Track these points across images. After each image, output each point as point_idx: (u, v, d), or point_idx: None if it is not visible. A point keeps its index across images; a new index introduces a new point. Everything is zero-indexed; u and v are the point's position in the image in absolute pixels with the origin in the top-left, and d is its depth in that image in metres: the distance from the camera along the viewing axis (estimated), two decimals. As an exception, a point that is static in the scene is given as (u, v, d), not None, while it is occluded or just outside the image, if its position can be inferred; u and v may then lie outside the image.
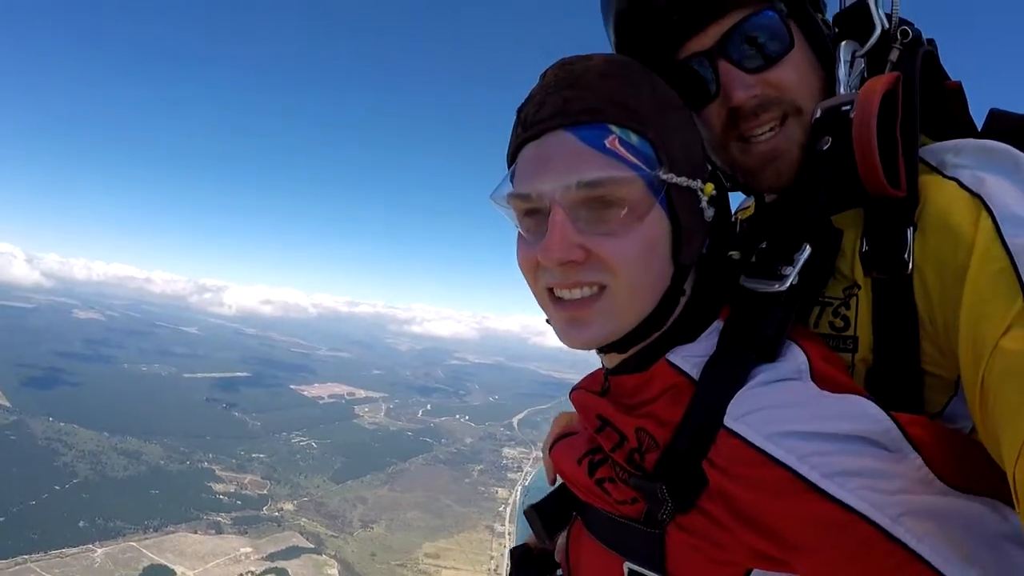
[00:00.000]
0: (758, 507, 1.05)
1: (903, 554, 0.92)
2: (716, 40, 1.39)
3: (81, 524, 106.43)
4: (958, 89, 1.47)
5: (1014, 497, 0.91)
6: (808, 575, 1.04)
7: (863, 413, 1.04)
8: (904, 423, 1.03)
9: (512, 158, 1.32)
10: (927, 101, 1.40)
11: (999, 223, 1.09)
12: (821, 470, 0.99)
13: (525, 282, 1.30)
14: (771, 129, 1.42)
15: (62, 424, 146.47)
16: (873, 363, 1.30)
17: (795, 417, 1.06)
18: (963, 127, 1.45)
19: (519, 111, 1.32)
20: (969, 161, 1.24)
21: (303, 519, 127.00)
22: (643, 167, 1.18)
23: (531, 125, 1.25)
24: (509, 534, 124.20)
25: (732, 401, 1.12)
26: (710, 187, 1.27)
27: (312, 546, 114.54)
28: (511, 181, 1.30)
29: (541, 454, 1.79)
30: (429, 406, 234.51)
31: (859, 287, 1.32)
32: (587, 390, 1.46)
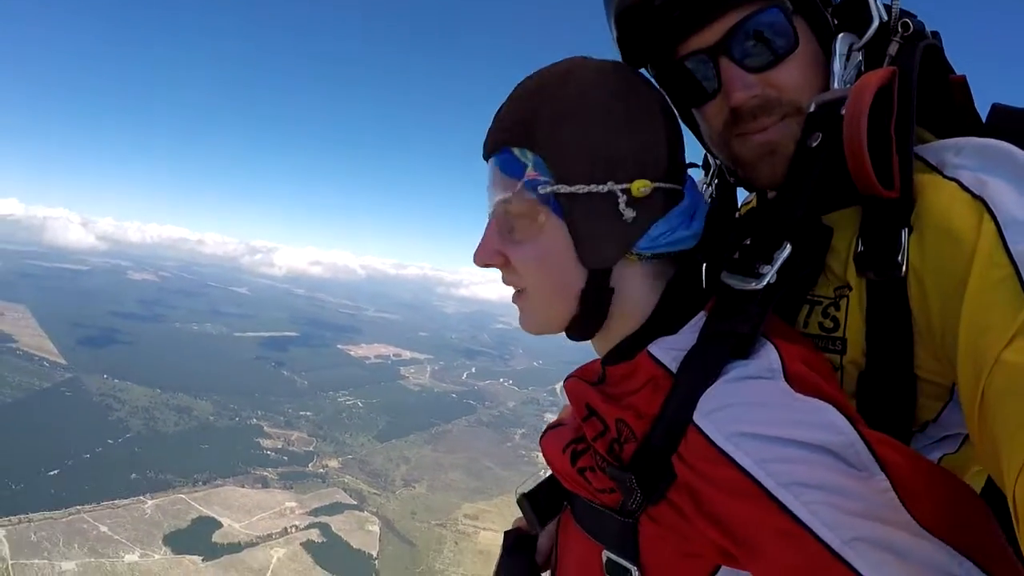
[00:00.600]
0: (716, 504, 1.05)
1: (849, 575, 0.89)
2: (719, 37, 1.34)
3: (133, 476, 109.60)
4: (962, 83, 1.42)
5: (1013, 517, 0.87)
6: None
7: (828, 423, 1.00)
8: (873, 441, 0.98)
9: None
10: (931, 95, 1.37)
11: (1002, 228, 1.05)
12: (777, 478, 0.97)
13: None
14: (761, 127, 1.37)
15: (116, 381, 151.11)
16: (865, 367, 1.27)
17: (759, 419, 1.04)
18: (968, 122, 1.41)
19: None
20: (971, 162, 1.19)
21: (347, 476, 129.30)
22: (529, 182, 1.24)
23: (484, 147, 1.38)
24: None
25: (702, 397, 1.11)
26: (639, 184, 1.24)
27: (355, 503, 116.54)
28: None
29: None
30: (474, 369, 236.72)
31: (850, 288, 1.29)
32: (580, 378, 1.46)
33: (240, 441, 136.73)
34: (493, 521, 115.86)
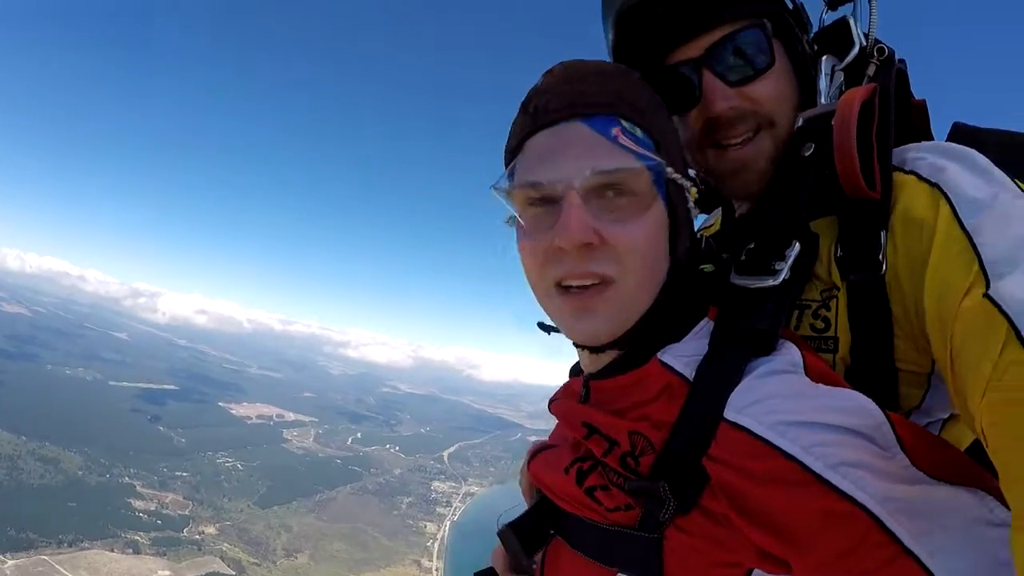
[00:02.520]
0: (762, 500, 1.05)
1: (894, 547, 0.94)
2: (703, 51, 1.46)
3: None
4: (922, 106, 1.59)
5: (981, 438, 0.98)
6: (804, 569, 1.03)
7: (861, 408, 1.06)
8: (896, 422, 1.06)
9: (515, 150, 1.34)
10: (900, 116, 1.49)
11: (956, 207, 1.17)
12: (825, 460, 1.00)
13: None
14: (744, 140, 1.49)
15: None
16: (851, 362, 1.35)
17: (796, 408, 1.07)
18: (925, 141, 1.51)
19: (524, 105, 1.35)
20: (928, 155, 1.32)
21: (225, 544, 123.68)
22: (651, 158, 1.22)
23: (541, 114, 1.28)
24: (437, 570, 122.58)
25: (732, 394, 1.13)
26: (694, 190, 1.34)
27: (233, 573, 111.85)
28: (511, 173, 1.32)
29: (518, 480, 1.81)
30: (359, 434, 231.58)
31: (838, 289, 1.36)
32: (568, 399, 1.47)
33: (111, 500, 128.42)
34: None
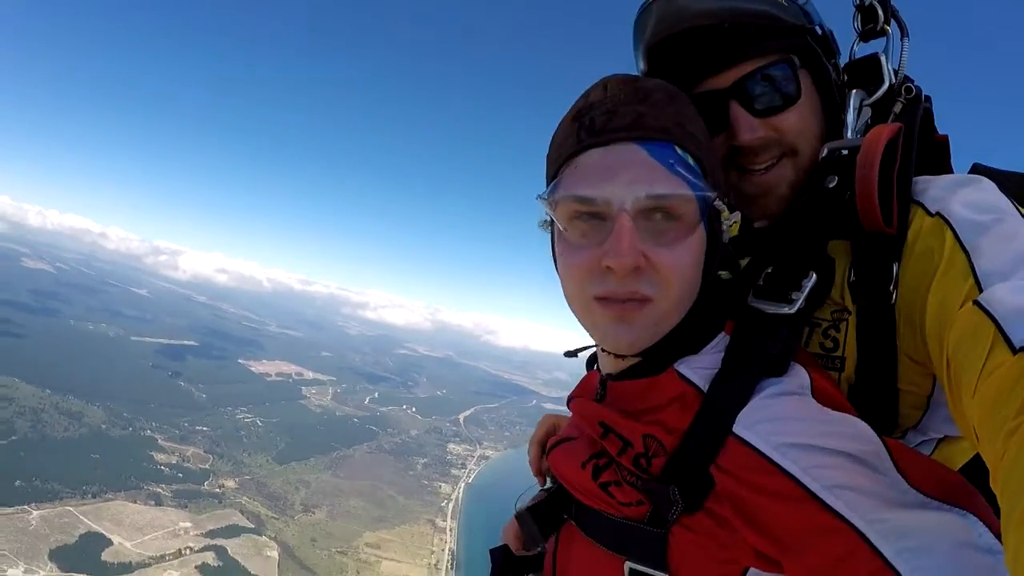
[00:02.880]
0: (762, 509, 1.14)
1: (878, 563, 1.00)
2: (732, 83, 1.53)
3: (17, 483, 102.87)
4: (944, 141, 1.63)
5: (973, 437, 1.02)
6: (795, 574, 1.12)
7: (860, 434, 1.15)
8: (892, 448, 1.13)
9: (566, 160, 1.37)
10: (923, 152, 1.54)
11: (958, 232, 1.25)
12: (822, 482, 1.09)
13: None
14: (768, 167, 1.56)
15: (3, 376, 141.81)
16: (855, 382, 1.43)
17: (799, 431, 1.16)
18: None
19: (579, 117, 1.37)
20: (935, 185, 1.39)
21: (244, 497, 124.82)
22: (700, 187, 1.27)
23: (601, 132, 1.31)
24: (451, 529, 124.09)
25: (743, 411, 1.22)
26: (726, 212, 1.37)
27: (252, 526, 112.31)
28: (558, 185, 1.35)
29: (527, 450, 1.96)
30: (377, 394, 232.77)
31: (849, 312, 1.44)
32: (585, 397, 1.54)
33: (133, 453, 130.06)
34: (395, 551, 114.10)
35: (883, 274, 1.33)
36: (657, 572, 1.31)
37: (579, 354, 1.63)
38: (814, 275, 1.38)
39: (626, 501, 1.34)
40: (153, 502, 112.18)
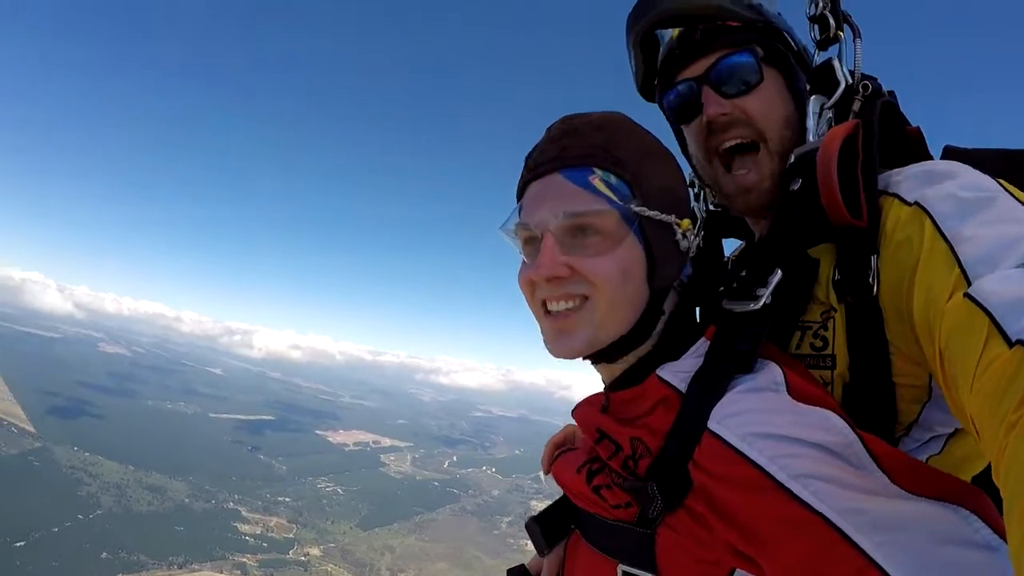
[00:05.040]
0: (732, 503, 1.14)
1: (862, 560, 0.98)
2: (703, 70, 1.68)
3: (104, 556, 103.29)
4: (917, 133, 1.71)
5: (972, 430, 1.02)
6: (773, 574, 1.10)
7: (830, 426, 1.14)
8: (869, 441, 1.12)
9: (519, 196, 1.54)
10: (891, 146, 1.66)
11: (937, 220, 1.25)
12: (788, 471, 1.08)
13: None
14: (739, 143, 1.68)
15: (87, 454, 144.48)
16: (849, 379, 1.45)
17: (767, 422, 1.17)
18: None
19: (527, 157, 1.55)
20: (908, 177, 1.43)
21: (330, 565, 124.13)
22: (617, 201, 1.38)
23: (535, 167, 1.48)
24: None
25: (715, 407, 1.25)
26: (686, 222, 1.46)
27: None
28: (518, 215, 1.50)
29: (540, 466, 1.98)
30: (455, 457, 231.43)
31: (835, 310, 1.47)
32: (590, 407, 1.60)
33: (217, 525, 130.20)
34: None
35: (862, 267, 1.38)
36: (647, 574, 1.34)
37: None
38: (779, 272, 1.43)
39: (616, 503, 1.39)
40: (239, 572, 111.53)
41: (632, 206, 1.39)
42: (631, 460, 1.35)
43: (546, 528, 1.69)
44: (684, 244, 1.47)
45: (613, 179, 1.41)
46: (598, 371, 1.59)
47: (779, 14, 1.73)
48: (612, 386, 1.53)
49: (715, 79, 1.67)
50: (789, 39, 1.73)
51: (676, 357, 1.44)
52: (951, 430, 1.45)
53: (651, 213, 1.41)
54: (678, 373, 1.39)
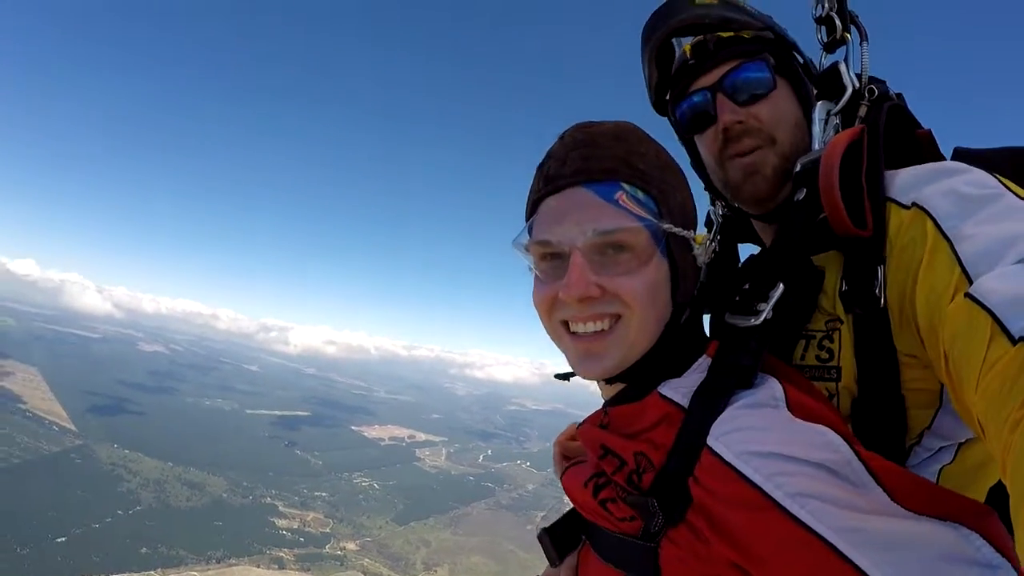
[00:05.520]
0: (730, 521, 1.13)
1: None
2: (717, 79, 1.70)
3: (144, 551, 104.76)
4: (928, 136, 1.67)
5: (978, 430, 1.02)
6: None
7: (827, 443, 1.12)
8: (868, 459, 1.10)
9: (532, 209, 1.50)
10: (901, 150, 1.63)
11: (938, 221, 1.25)
12: (784, 489, 1.07)
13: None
14: (751, 151, 1.68)
15: (126, 451, 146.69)
16: (858, 393, 1.44)
17: (765, 439, 1.15)
18: None
19: (540, 168, 1.51)
20: (907, 178, 1.41)
21: (366, 559, 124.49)
22: (648, 218, 1.38)
23: (553, 180, 1.44)
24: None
25: (714, 423, 1.24)
26: (700, 237, 1.46)
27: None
28: (530, 230, 1.47)
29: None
30: (490, 451, 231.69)
31: (841, 321, 1.46)
32: (591, 425, 1.61)
33: (254, 520, 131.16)
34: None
35: (868, 278, 1.36)
36: None
37: (570, 378, 1.71)
38: (781, 286, 1.43)
39: (621, 516, 1.39)
40: (276, 566, 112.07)
41: (661, 223, 1.39)
42: (635, 475, 1.35)
43: (557, 539, 1.70)
44: (701, 259, 1.49)
45: (640, 195, 1.41)
46: (600, 386, 1.59)
47: (785, 29, 1.74)
48: (612, 401, 1.54)
49: (729, 87, 1.69)
50: (796, 52, 1.75)
51: (679, 373, 1.43)
52: (963, 439, 1.42)
53: (676, 230, 1.42)
54: (680, 389, 1.38)
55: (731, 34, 1.71)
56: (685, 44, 1.77)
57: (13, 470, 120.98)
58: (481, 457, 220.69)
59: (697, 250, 1.47)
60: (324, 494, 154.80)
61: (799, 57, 1.76)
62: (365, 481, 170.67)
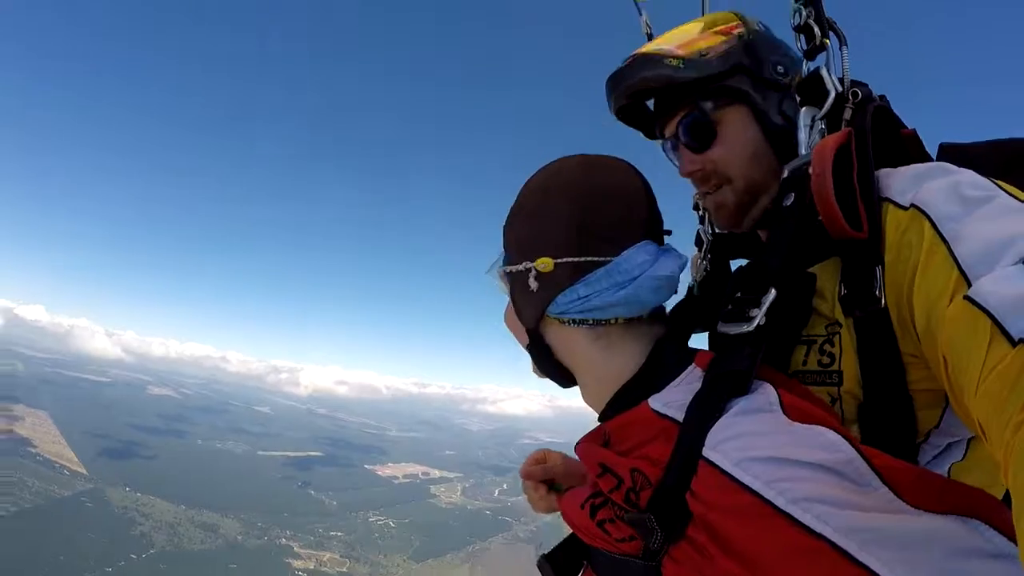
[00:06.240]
0: (732, 532, 1.08)
1: None
2: (673, 131, 1.76)
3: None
4: (914, 135, 1.68)
5: (979, 432, 1.00)
6: None
7: (828, 443, 1.08)
8: (871, 456, 1.06)
9: None
10: (887, 150, 1.63)
11: (935, 222, 1.22)
12: (787, 496, 1.02)
13: None
14: (712, 190, 1.74)
15: (139, 495, 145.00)
16: (864, 396, 1.42)
17: (763, 444, 1.11)
18: None
19: None
20: (900, 179, 1.40)
21: None
22: (502, 283, 1.61)
23: None
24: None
25: (710, 432, 1.19)
26: (540, 262, 1.48)
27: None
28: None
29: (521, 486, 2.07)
30: (505, 485, 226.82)
31: (840, 325, 1.44)
32: (590, 442, 1.57)
33: (270, 561, 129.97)
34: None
35: (867, 280, 1.36)
36: None
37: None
38: (773, 291, 1.42)
39: (620, 537, 1.37)
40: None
41: (496, 268, 1.59)
42: (632, 493, 1.31)
43: (557, 566, 1.71)
44: (534, 284, 1.51)
45: (505, 255, 1.59)
46: (588, 404, 1.63)
47: (741, 36, 1.74)
48: (603, 416, 1.54)
49: (685, 138, 1.74)
50: (750, 67, 1.72)
51: (661, 387, 1.41)
52: (972, 435, 1.41)
53: (504, 268, 1.56)
54: (671, 403, 1.35)
55: (672, 85, 1.72)
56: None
57: (24, 515, 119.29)
58: (497, 492, 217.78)
59: (532, 277, 1.50)
60: (340, 533, 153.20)
61: (754, 67, 1.72)
62: (380, 519, 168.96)
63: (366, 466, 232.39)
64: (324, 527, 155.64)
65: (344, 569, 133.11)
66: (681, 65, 1.69)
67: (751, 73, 1.72)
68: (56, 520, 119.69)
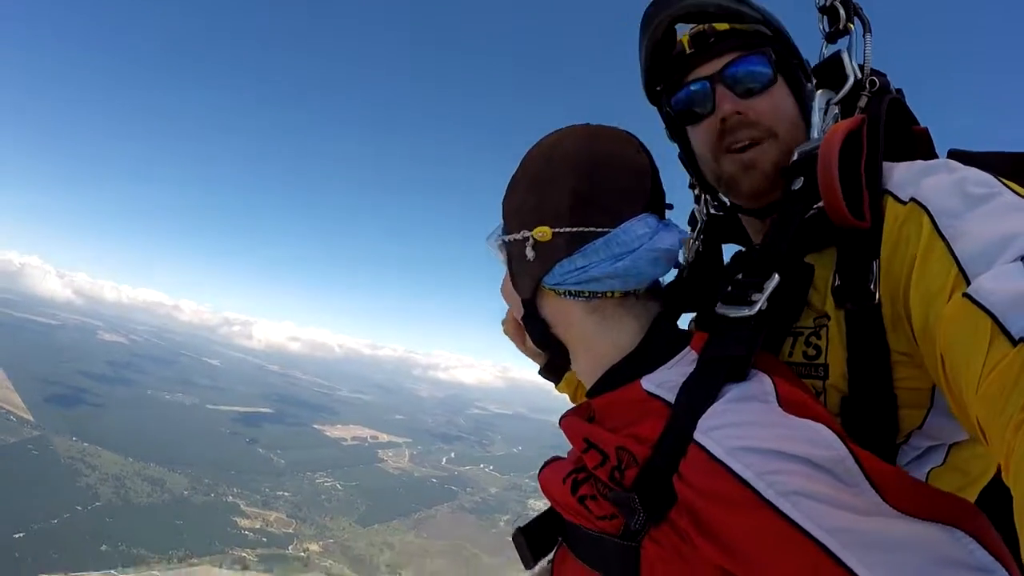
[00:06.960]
0: (717, 519, 1.08)
1: None
2: (718, 69, 1.67)
3: (104, 548, 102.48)
4: (925, 133, 1.65)
5: (978, 433, 0.97)
6: None
7: (822, 440, 1.07)
8: (862, 458, 1.06)
9: None
10: (898, 144, 1.60)
11: (935, 218, 1.20)
12: (777, 488, 1.02)
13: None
14: (750, 143, 1.64)
15: (85, 444, 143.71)
16: (849, 391, 1.39)
17: (757, 435, 1.10)
18: None
19: None
20: (904, 173, 1.38)
21: (329, 560, 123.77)
22: (495, 238, 1.61)
23: None
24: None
25: (702, 417, 1.18)
26: (538, 231, 1.46)
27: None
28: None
29: None
30: (453, 454, 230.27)
31: (829, 318, 1.42)
32: (576, 417, 1.56)
33: (216, 519, 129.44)
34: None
35: (863, 273, 1.33)
36: None
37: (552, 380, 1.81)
38: (776, 276, 1.39)
39: (601, 514, 1.35)
40: (239, 566, 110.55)
41: (494, 238, 1.59)
42: (617, 471, 1.30)
43: (532, 540, 1.66)
44: (531, 254, 1.49)
45: (503, 224, 1.59)
46: (580, 378, 1.62)
47: (784, 27, 1.73)
48: (593, 392, 1.52)
49: (730, 79, 1.67)
50: (794, 50, 1.74)
51: (655, 366, 1.40)
52: (954, 440, 1.41)
53: (503, 237, 1.55)
54: (664, 383, 1.34)
55: (729, 27, 1.70)
56: (683, 34, 1.75)
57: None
58: (444, 460, 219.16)
59: (530, 246, 1.48)
60: (286, 493, 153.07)
61: (796, 55, 1.75)
62: (328, 481, 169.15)
63: (315, 425, 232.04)
64: (271, 486, 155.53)
65: (290, 530, 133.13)
66: (759, 8, 1.67)
67: (797, 54, 1.73)
68: (1, 468, 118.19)
